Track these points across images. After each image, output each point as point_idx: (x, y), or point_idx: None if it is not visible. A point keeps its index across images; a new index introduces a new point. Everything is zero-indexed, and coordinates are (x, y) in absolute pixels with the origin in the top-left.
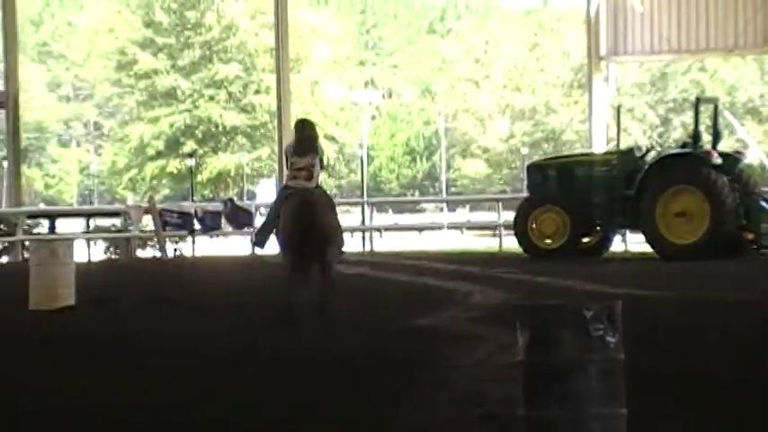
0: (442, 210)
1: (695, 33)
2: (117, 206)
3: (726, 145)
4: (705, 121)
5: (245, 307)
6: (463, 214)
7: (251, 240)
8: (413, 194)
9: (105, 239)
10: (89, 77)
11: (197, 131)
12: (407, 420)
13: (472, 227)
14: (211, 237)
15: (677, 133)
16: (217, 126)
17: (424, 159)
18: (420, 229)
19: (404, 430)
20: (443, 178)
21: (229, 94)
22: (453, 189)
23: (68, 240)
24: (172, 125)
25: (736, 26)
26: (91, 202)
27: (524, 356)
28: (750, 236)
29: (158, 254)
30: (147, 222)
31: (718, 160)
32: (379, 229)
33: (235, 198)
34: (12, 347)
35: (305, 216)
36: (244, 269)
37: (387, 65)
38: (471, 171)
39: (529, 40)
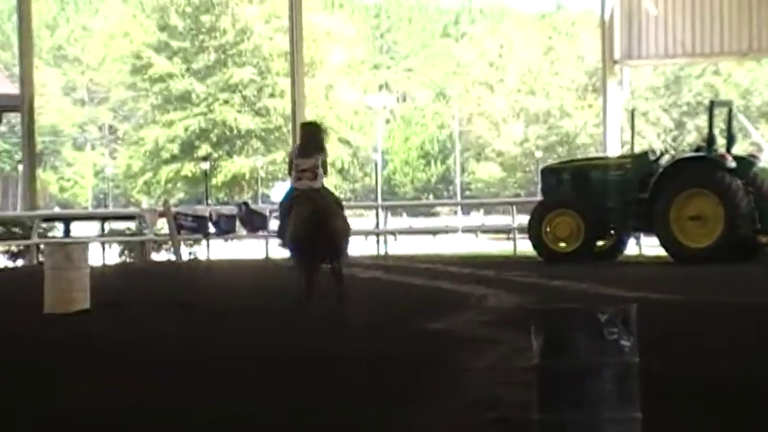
0: (456, 213)
1: (709, 37)
2: (132, 209)
3: (740, 148)
4: (719, 124)
5: (259, 310)
6: (477, 218)
7: (279, 244)
8: (427, 198)
9: (120, 243)
10: (104, 81)
11: (212, 135)
12: (420, 423)
13: (486, 230)
14: (226, 240)
15: (691, 137)
16: (231, 130)
17: (438, 163)
18: (434, 232)
19: None
20: (458, 182)
21: (244, 97)
22: (468, 192)
23: (83, 244)
24: (187, 129)
25: (750, 30)
26: (106, 206)
27: (538, 360)
28: (764, 239)
29: (173, 257)
30: (162, 226)
31: (733, 164)
32: (393, 233)
33: (249, 201)
34: (26, 351)
35: (317, 224)
36: (258, 272)
37: (401, 68)
38: (485, 174)
39: (543, 44)
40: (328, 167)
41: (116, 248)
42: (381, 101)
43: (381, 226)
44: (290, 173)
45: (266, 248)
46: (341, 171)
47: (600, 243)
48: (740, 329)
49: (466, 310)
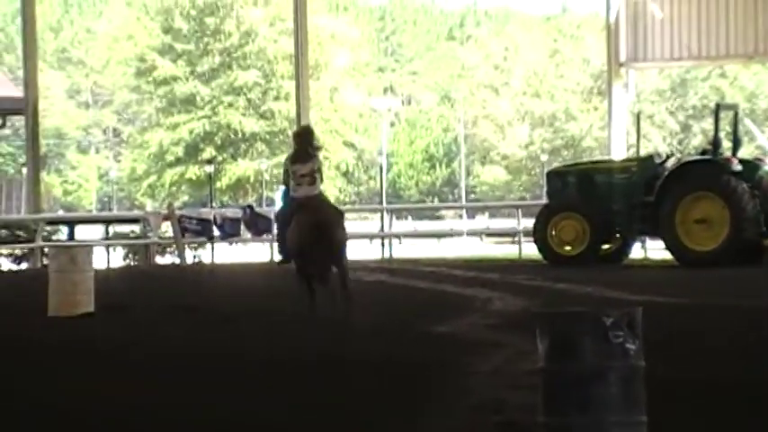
0: (461, 216)
1: (715, 40)
2: (136, 213)
3: (746, 152)
4: (725, 127)
5: (263, 314)
6: (482, 221)
7: (279, 258)
8: (432, 201)
9: (124, 246)
10: (108, 84)
11: (216, 138)
12: (425, 426)
13: (491, 234)
14: (230, 243)
15: (697, 140)
16: (236, 132)
17: (443, 166)
18: (439, 235)
19: None
20: (463, 185)
21: (248, 100)
22: (472, 196)
23: (87, 247)
24: (191, 132)
25: (756, 33)
26: (110, 209)
27: (544, 363)
28: None
29: (177, 260)
30: (166, 229)
31: (738, 167)
32: (398, 236)
33: (254, 204)
34: (30, 354)
35: (318, 233)
36: (263, 276)
37: (406, 71)
38: (490, 178)
39: (548, 47)
40: (323, 171)
41: (120, 251)
42: (386, 104)
43: (386, 229)
44: (285, 182)
45: (271, 252)
46: (345, 174)
47: (605, 246)
48: (746, 332)
49: (471, 314)
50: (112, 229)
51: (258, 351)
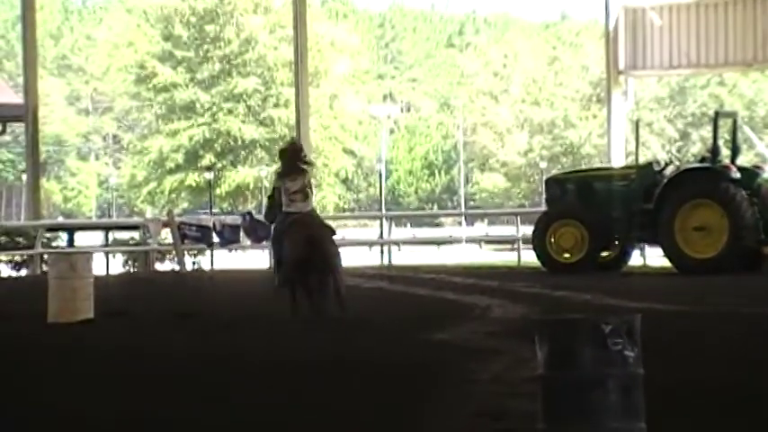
0: (460, 224)
1: (714, 48)
2: (136, 219)
3: (745, 159)
4: (724, 135)
5: (263, 319)
6: (482, 228)
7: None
8: (431, 208)
9: (124, 252)
10: (108, 91)
11: (216, 145)
12: None
13: (491, 241)
14: (230, 250)
15: (696, 147)
16: (236, 139)
17: (442, 173)
18: (438, 242)
19: None
20: (462, 192)
21: (248, 107)
22: (472, 203)
23: (87, 253)
24: (191, 138)
25: (754, 40)
26: (110, 216)
27: (543, 371)
28: None
29: (177, 267)
30: (166, 235)
31: (737, 174)
32: (397, 243)
33: (253, 211)
34: (29, 360)
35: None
36: (262, 282)
37: (405, 78)
38: (490, 185)
39: (547, 54)
40: (314, 187)
41: (120, 258)
42: (386, 111)
43: (385, 236)
44: (271, 197)
45: (270, 258)
46: (345, 181)
47: (604, 253)
48: (745, 340)
49: (470, 321)
50: (112, 235)
51: (258, 354)
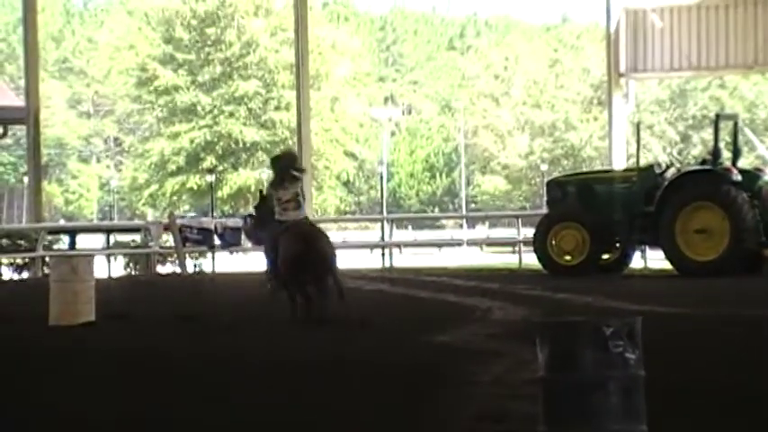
0: (461, 226)
1: (715, 50)
2: (137, 222)
3: (745, 162)
4: (725, 137)
5: (264, 321)
6: (483, 231)
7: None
8: (432, 211)
9: (125, 255)
10: (109, 93)
11: (217, 147)
12: None
13: (492, 243)
14: (231, 253)
15: (697, 150)
16: (237, 142)
17: (443, 176)
18: (439, 245)
19: None
20: (463, 194)
21: (249, 110)
22: (473, 205)
23: (89, 256)
24: (192, 141)
25: (755, 43)
26: (111, 218)
27: (544, 373)
28: None
29: (178, 270)
30: (167, 238)
31: (738, 177)
32: (398, 246)
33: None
34: (31, 362)
35: (306, 245)
36: (263, 285)
37: (406, 81)
38: (491, 187)
39: (549, 57)
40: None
41: (121, 261)
42: (387, 113)
43: (386, 238)
44: (257, 207)
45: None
46: (346, 183)
47: (605, 256)
48: (746, 342)
49: (471, 323)
50: (113, 238)
51: (258, 354)
